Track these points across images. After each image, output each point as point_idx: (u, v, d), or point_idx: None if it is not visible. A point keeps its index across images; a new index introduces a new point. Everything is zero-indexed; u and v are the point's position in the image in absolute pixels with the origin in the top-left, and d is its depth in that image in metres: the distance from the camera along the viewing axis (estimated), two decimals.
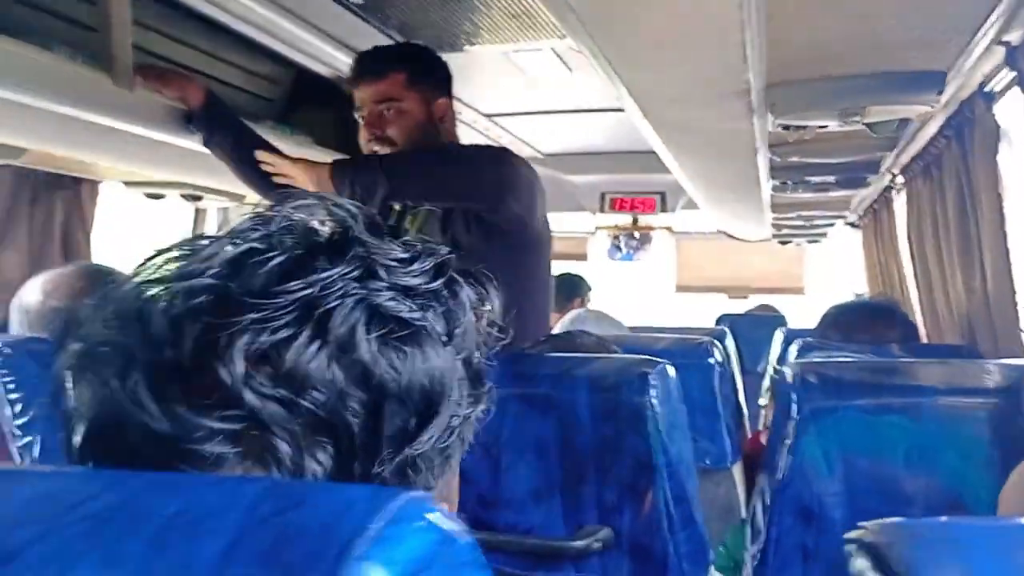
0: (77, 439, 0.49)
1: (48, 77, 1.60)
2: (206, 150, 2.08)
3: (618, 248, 4.87)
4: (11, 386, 1.33)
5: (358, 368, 0.48)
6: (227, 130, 2.06)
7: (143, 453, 0.47)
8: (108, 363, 0.48)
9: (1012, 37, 1.51)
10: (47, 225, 2.42)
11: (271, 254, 0.48)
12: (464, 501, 1.38)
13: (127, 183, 2.58)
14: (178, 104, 1.96)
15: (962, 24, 1.31)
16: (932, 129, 2.16)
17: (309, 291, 0.47)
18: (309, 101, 2.71)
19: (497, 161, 1.90)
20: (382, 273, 0.50)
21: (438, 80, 2.00)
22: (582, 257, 5.07)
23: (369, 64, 1.98)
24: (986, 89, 1.77)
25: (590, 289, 4.45)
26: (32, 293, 1.63)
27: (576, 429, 1.34)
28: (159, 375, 0.47)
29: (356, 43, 2.39)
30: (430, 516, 0.45)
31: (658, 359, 1.39)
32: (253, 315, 0.46)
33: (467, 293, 0.54)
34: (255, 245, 0.49)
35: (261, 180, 2.17)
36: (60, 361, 0.50)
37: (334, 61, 2.43)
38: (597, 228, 4.89)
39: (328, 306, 0.48)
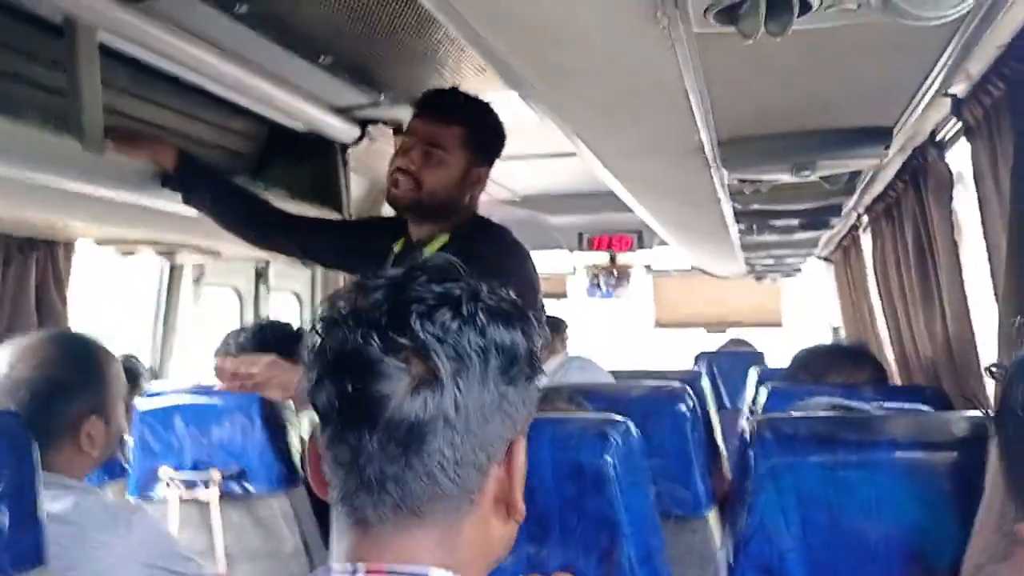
0: (312, 371, 0.82)
1: (17, 144, 1.61)
2: (179, 208, 2.09)
3: (597, 286, 4.91)
4: None
5: (478, 328, 0.79)
6: (204, 187, 2.07)
7: (357, 372, 0.78)
8: (344, 323, 0.80)
9: (957, 89, 1.55)
10: (21, 288, 2.42)
11: (418, 273, 0.82)
12: None
13: (99, 241, 2.59)
14: (149, 165, 1.98)
15: (904, 81, 1.34)
16: (890, 173, 2.20)
17: (444, 289, 0.81)
18: (284, 155, 2.73)
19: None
20: (481, 289, 0.83)
21: (488, 149, 1.98)
22: (562, 295, 5.11)
23: (439, 104, 1.95)
24: (937, 138, 1.81)
25: (567, 327, 4.49)
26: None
27: (540, 489, 1.34)
28: (371, 327, 0.79)
29: (328, 97, 2.43)
30: None
31: (619, 417, 1.40)
32: (416, 295, 0.80)
33: (531, 315, 0.86)
34: (407, 271, 0.83)
35: (245, 230, 2.19)
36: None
37: (307, 115, 2.46)
38: (575, 267, 4.94)
39: (458, 294, 0.80)
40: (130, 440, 2.43)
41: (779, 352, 4.86)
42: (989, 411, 1.21)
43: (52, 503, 1.49)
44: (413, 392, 0.77)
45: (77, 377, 1.63)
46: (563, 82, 1.23)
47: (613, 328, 5.40)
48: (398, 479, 0.79)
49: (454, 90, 2.01)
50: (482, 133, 1.95)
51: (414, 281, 0.81)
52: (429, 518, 0.80)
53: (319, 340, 0.81)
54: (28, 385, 1.57)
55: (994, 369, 1.06)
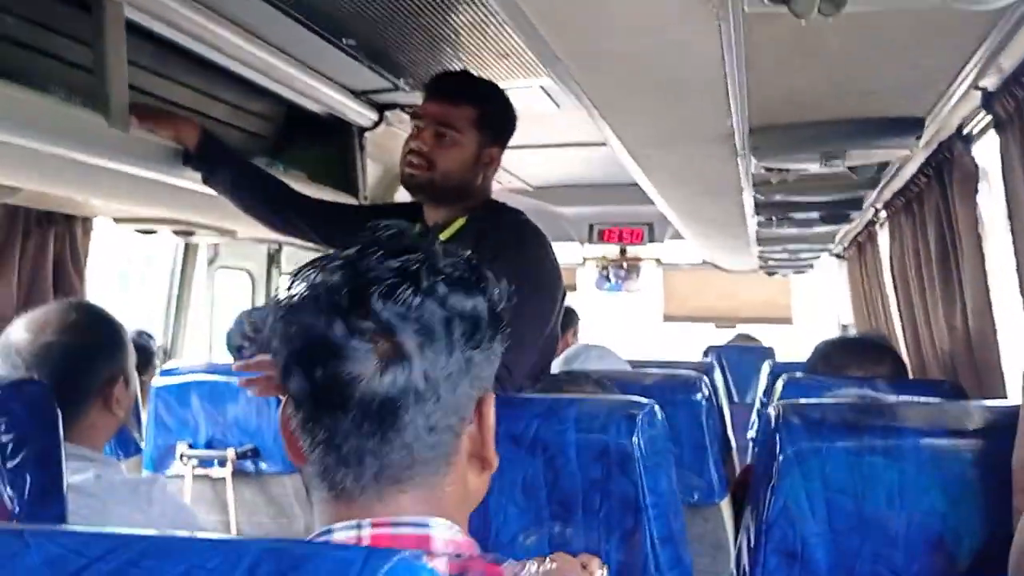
0: (282, 357, 0.83)
1: (44, 119, 1.61)
2: (199, 187, 2.09)
3: (606, 279, 4.91)
4: (1, 428, 1.34)
5: (439, 299, 0.80)
6: (226, 167, 2.07)
7: (324, 356, 0.79)
8: (304, 308, 0.82)
9: (988, 83, 1.55)
10: (39, 261, 2.43)
11: (373, 248, 0.83)
12: None
13: (117, 219, 2.59)
14: (173, 143, 1.98)
15: (939, 71, 1.34)
16: (913, 167, 2.19)
17: (401, 264, 0.81)
18: (302, 138, 2.73)
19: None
20: (439, 258, 0.83)
21: (501, 129, 1.97)
22: (571, 288, 5.11)
23: (448, 86, 1.96)
24: (964, 132, 1.81)
25: (579, 319, 4.49)
26: (20, 332, 1.63)
27: (564, 470, 1.35)
28: (333, 311, 0.80)
29: (347, 81, 2.43)
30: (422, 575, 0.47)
31: (645, 399, 1.40)
32: (375, 274, 0.80)
33: (490, 276, 0.88)
34: (363, 246, 0.83)
35: (264, 213, 2.19)
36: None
37: (326, 98, 2.46)
38: (585, 259, 4.94)
39: (415, 268, 0.81)
40: (145, 416, 2.44)
41: (789, 348, 4.87)
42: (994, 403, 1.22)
43: (73, 475, 1.50)
44: (382, 371, 0.79)
45: (105, 340, 1.66)
46: (601, 63, 1.23)
47: (622, 321, 5.39)
48: (376, 453, 0.81)
49: (464, 72, 2.03)
50: (493, 113, 1.95)
51: (370, 258, 0.81)
52: (409, 484, 0.83)
53: (283, 326, 0.83)
54: (61, 349, 1.59)
55: None
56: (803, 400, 1.38)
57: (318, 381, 0.80)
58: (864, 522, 1.26)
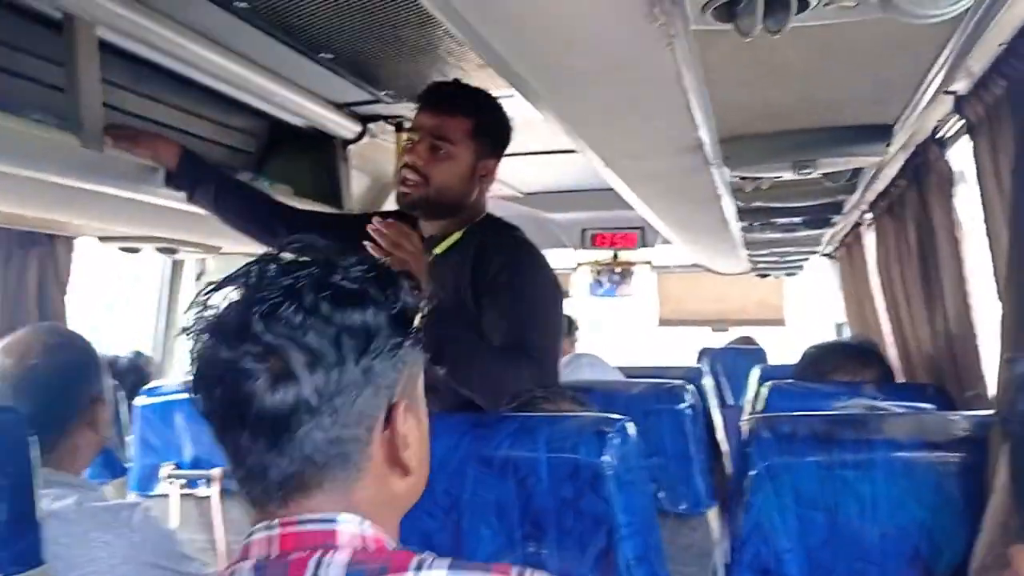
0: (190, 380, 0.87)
1: (16, 141, 1.61)
2: (180, 204, 2.09)
3: (600, 284, 4.89)
4: None
5: (323, 317, 0.83)
6: (208, 183, 2.05)
7: (219, 377, 0.83)
8: (201, 334, 0.86)
9: (959, 87, 1.54)
10: (21, 282, 2.43)
11: (270, 266, 0.87)
12: None
13: (101, 238, 2.59)
14: (150, 162, 1.98)
15: (905, 78, 1.33)
16: (894, 170, 2.19)
17: (291, 281, 0.85)
18: (286, 152, 2.73)
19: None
20: (338, 270, 0.87)
21: (496, 140, 1.95)
22: (564, 294, 5.09)
23: (443, 97, 1.93)
24: (938, 136, 1.80)
25: (577, 328, 4.48)
26: (0, 357, 1.63)
27: (536, 491, 1.34)
28: (224, 334, 0.85)
29: (329, 94, 2.43)
30: None
31: (618, 416, 1.39)
32: (261, 295, 0.84)
33: (401, 281, 0.90)
34: (263, 263, 0.88)
35: (251, 227, 2.18)
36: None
37: (308, 112, 2.45)
38: (579, 264, 4.92)
39: (300, 285, 0.84)
40: (129, 437, 2.43)
41: (783, 350, 4.86)
42: (994, 414, 1.20)
43: (54, 502, 1.50)
44: (272, 388, 0.82)
45: (85, 362, 1.68)
46: (562, 81, 1.23)
47: (617, 326, 5.39)
48: (276, 465, 0.84)
49: (457, 82, 1.99)
50: (488, 124, 1.93)
51: (263, 277, 0.86)
52: (317, 489, 0.86)
53: (191, 346, 0.88)
54: (46, 371, 1.59)
55: (1011, 362, 1.04)
56: (775, 413, 1.37)
57: (217, 401, 0.85)
58: (837, 536, 1.25)
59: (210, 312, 0.87)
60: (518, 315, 1.77)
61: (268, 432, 0.83)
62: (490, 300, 1.80)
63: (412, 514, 1.36)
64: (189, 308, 0.88)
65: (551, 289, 1.87)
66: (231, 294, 0.87)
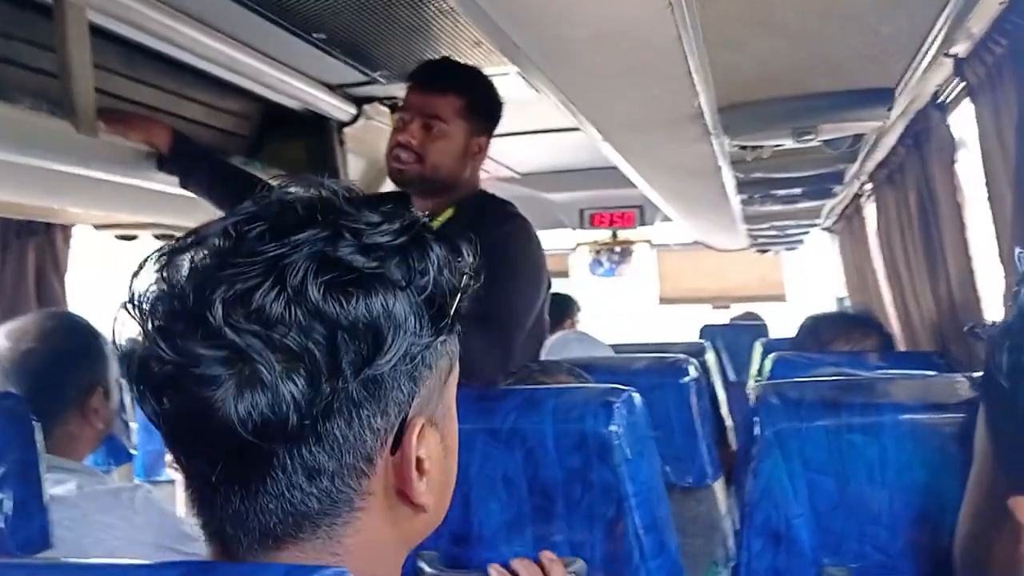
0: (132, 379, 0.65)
1: (11, 128, 1.60)
2: (176, 190, 2.08)
3: (599, 263, 4.89)
4: None
5: (312, 308, 0.60)
6: (201, 168, 2.04)
7: (169, 380, 0.61)
8: (142, 316, 0.63)
9: (959, 49, 1.53)
10: (20, 270, 2.42)
11: (256, 224, 0.62)
12: (436, 538, 1.38)
13: (97, 226, 2.58)
14: (144, 147, 1.96)
15: (905, 39, 1.32)
16: (893, 138, 2.18)
17: (281, 250, 0.60)
18: (280, 135, 2.71)
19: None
20: (348, 234, 0.62)
21: (487, 118, 1.95)
22: (563, 274, 5.09)
23: (433, 76, 1.91)
24: (939, 100, 1.79)
25: (579, 309, 4.46)
26: (0, 340, 1.63)
27: (543, 462, 1.34)
28: (173, 322, 0.61)
29: (322, 75, 2.41)
30: None
31: (624, 387, 1.39)
32: (231, 271, 0.60)
33: (437, 250, 0.66)
34: (247, 217, 0.63)
35: None
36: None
37: (302, 94, 2.44)
38: (578, 244, 4.92)
39: (288, 260, 0.60)
40: (134, 424, 2.43)
41: (785, 325, 4.85)
42: (974, 375, 1.20)
43: (55, 486, 1.50)
44: (237, 402, 0.59)
45: (83, 349, 1.65)
46: (560, 52, 1.22)
47: (617, 305, 5.39)
48: (239, 506, 0.63)
49: (448, 60, 1.99)
50: (479, 101, 1.92)
51: (242, 239, 0.62)
52: (291, 544, 0.64)
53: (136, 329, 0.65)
54: (38, 356, 1.58)
55: (978, 330, 1.02)
56: (783, 380, 1.37)
57: (166, 409, 0.63)
58: (846, 501, 1.24)
59: (163, 280, 0.63)
60: (487, 283, 1.74)
61: (228, 460, 0.62)
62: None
63: None
64: (136, 273, 0.64)
65: (531, 264, 1.83)
66: (200, 257, 0.63)
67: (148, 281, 0.64)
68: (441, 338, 0.67)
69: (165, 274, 0.63)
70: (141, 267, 0.65)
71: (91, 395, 1.63)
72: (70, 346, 1.64)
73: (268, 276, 0.60)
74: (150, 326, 0.62)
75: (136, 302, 0.64)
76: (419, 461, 0.67)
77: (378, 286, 0.62)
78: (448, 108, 1.87)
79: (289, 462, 0.62)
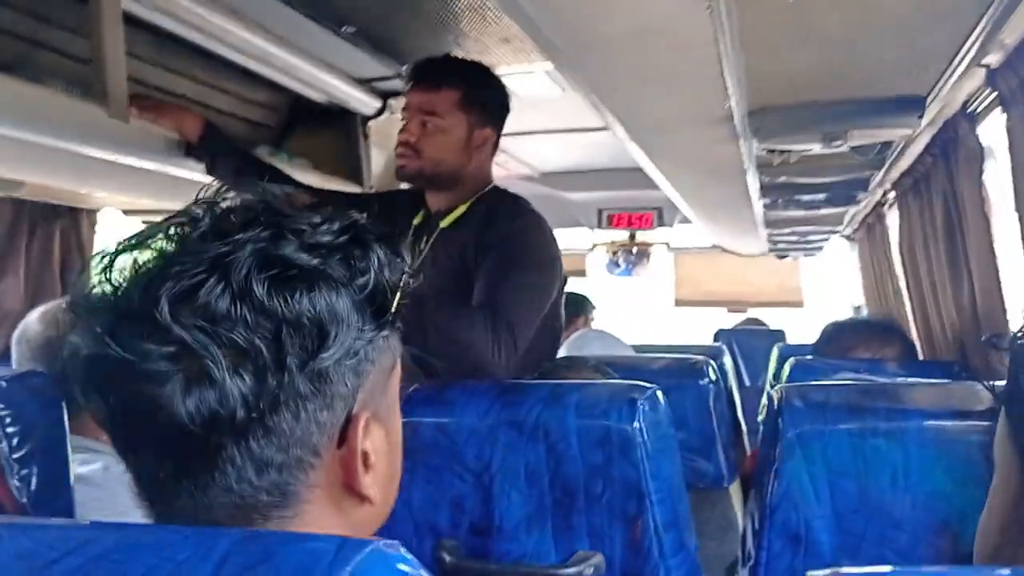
0: (77, 379, 0.66)
1: (43, 112, 1.61)
2: (203, 177, 2.09)
3: (616, 264, 4.88)
4: (7, 420, 1.35)
5: (257, 304, 0.62)
6: (228, 158, 2.07)
7: (116, 378, 0.62)
8: (87, 313, 0.64)
9: (991, 60, 1.53)
10: (45, 254, 2.44)
11: (201, 224, 0.64)
12: (457, 529, 1.39)
13: (126, 211, 2.60)
14: (174, 134, 1.98)
15: (939, 49, 1.32)
16: (919, 147, 2.17)
17: (224, 248, 0.62)
18: (306, 127, 2.74)
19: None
20: (290, 235, 0.64)
21: (489, 109, 1.95)
22: (581, 273, 5.09)
23: (428, 72, 1.94)
24: (969, 110, 1.79)
25: (594, 308, 4.46)
26: (32, 325, 1.65)
27: (566, 456, 1.35)
28: (118, 320, 0.62)
29: (350, 69, 2.42)
30: (399, 565, 0.47)
31: (647, 384, 1.40)
32: (176, 268, 0.62)
33: (377, 249, 0.69)
34: (191, 218, 0.65)
35: None
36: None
37: (329, 87, 2.45)
38: (595, 244, 4.91)
39: (232, 258, 0.62)
40: None
41: (801, 331, 4.84)
42: (995, 385, 1.19)
43: (81, 467, 1.51)
44: (184, 398, 0.61)
45: None
46: (595, 48, 1.22)
47: (633, 306, 5.37)
48: (187, 499, 0.65)
49: (445, 56, 2.00)
50: (478, 93, 1.92)
51: (186, 239, 0.64)
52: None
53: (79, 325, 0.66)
54: (63, 344, 1.59)
55: (996, 341, 1.00)
56: (806, 383, 1.37)
57: (111, 406, 0.64)
58: (868, 504, 1.25)
59: (107, 281, 0.64)
60: (495, 274, 1.74)
61: (177, 456, 0.64)
62: (482, 264, 1.80)
63: (442, 479, 1.38)
64: (81, 271, 0.66)
65: (543, 259, 1.82)
66: (143, 257, 0.64)
67: (91, 282, 0.65)
68: (383, 334, 0.69)
69: (108, 275, 0.64)
70: (83, 269, 0.67)
71: None
72: None
73: (212, 273, 0.61)
74: (96, 326, 0.63)
75: (80, 303, 0.65)
76: (365, 455, 0.69)
77: (321, 283, 0.64)
78: (444, 103, 1.89)
79: (238, 456, 0.63)
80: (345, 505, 0.70)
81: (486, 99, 1.94)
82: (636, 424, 1.33)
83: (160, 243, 0.65)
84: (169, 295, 0.61)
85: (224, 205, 0.67)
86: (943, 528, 1.23)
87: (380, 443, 0.70)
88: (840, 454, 1.25)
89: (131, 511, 1.60)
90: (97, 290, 0.64)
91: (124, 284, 0.63)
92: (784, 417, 1.27)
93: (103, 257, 0.65)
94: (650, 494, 1.33)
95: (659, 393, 1.38)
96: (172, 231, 0.65)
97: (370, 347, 0.68)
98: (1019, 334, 0.93)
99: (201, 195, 0.70)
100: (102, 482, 1.54)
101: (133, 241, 0.65)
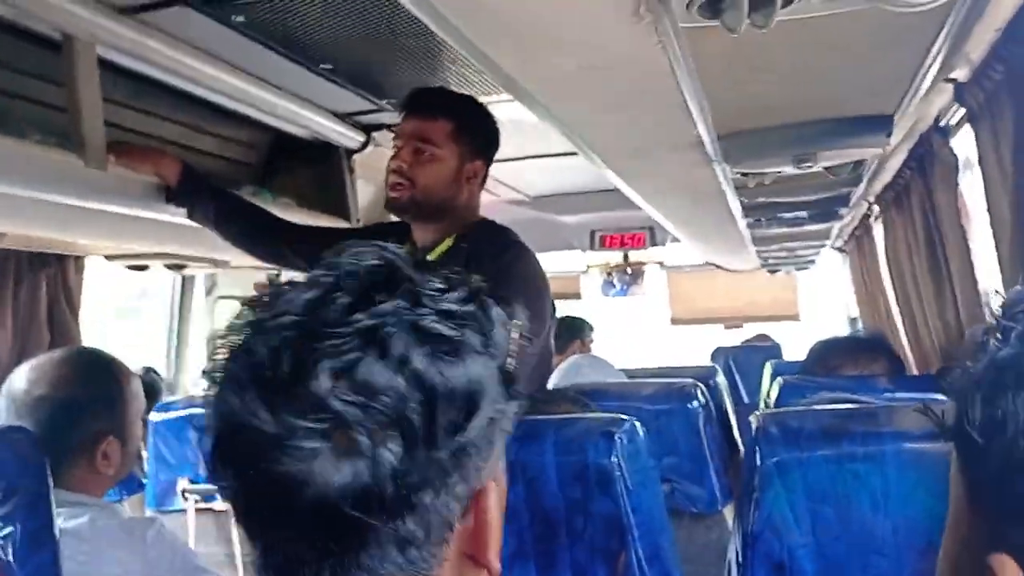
0: (207, 450, 0.64)
1: (20, 162, 1.62)
2: (186, 221, 2.09)
3: (611, 284, 4.89)
4: None
5: (414, 377, 0.61)
6: (208, 201, 2.06)
7: (256, 453, 0.60)
8: (227, 385, 0.62)
9: (959, 74, 1.53)
10: (33, 302, 2.44)
11: (337, 295, 0.62)
12: None
13: (108, 256, 2.60)
14: (153, 179, 1.98)
15: (902, 68, 1.32)
16: (898, 160, 2.17)
17: (371, 321, 0.61)
18: (289, 164, 2.73)
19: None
20: (426, 301, 0.63)
21: (481, 142, 1.96)
22: (576, 296, 5.09)
23: (423, 102, 1.96)
24: (941, 124, 1.79)
25: (592, 330, 4.45)
26: (19, 381, 1.63)
27: (545, 492, 1.34)
28: (264, 392, 0.60)
29: (331, 104, 2.43)
30: None
31: (625, 417, 1.39)
32: (331, 342, 0.60)
33: (497, 312, 0.68)
34: (326, 289, 0.63)
35: (250, 244, 2.19)
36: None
37: (311, 123, 2.46)
38: (589, 266, 4.92)
39: (387, 331, 0.61)
40: (145, 454, 2.44)
41: (798, 345, 4.84)
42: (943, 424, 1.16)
43: (68, 521, 1.50)
44: (335, 476, 0.59)
45: (95, 397, 1.62)
46: (556, 83, 1.23)
47: (628, 327, 5.37)
48: None
49: (440, 88, 2.02)
50: (470, 126, 1.94)
51: (329, 307, 0.62)
52: None
53: (211, 403, 0.64)
54: (46, 403, 1.58)
55: (948, 378, 0.95)
56: (783, 408, 1.36)
57: (250, 484, 0.62)
58: (850, 530, 1.23)
59: (233, 349, 0.64)
60: None
61: (322, 536, 0.61)
62: None
63: None
64: (213, 341, 0.65)
65: (532, 293, 1.81)
66: (251, 338, 0.63)
67: (222, 352, 0.64)
68: (515, 403, 0.69)
69: (251, 345, 0.62)
70: (217, 338, 0.65)
71: (100, 443, 1.61)
72: (84, 394, 1.61)
73: (368, 347, 0.60)
74: (237, 398, 0.61)
75: (218, 373, 0.64)
76: (489, 524, 0.68)
77: (465, 354, 0.63)
78: (438, 132, 1.90)
79: (384, 535, 0.61)
80: (463, 572, 0.68)
81: (478, 132, 1.96)
82: (614, 458, 1.32)
83: (294, 313, 0.62)
84: (333, 370, 0.59)
85: (346, 268, 0.64)
86: (926, 551, 1.21)
87: (496, 508, 0.69)
88: (819, 480, 1.24)
89: (119, 564, 1.59)
90: (225, 362, 0.64)
91: (264, 355, 0.61)
92: (761, 445, 1.26)
93: (241, 327, 0.64)
94: (632, 528, 1.32)
95: (637, 424, 1.37)
96: (307, 301, 0.63)
97: (504, 418, 0.67)
98: (962, 371, 0.87)
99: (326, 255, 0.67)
100: (89, 536, 1.53)
101: (266, 315, 0.63)
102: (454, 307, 0.64)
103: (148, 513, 2.34)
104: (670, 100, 1.24)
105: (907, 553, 1.22)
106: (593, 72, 1.15)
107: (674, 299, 5.64)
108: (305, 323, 0.62)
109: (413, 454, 0.60)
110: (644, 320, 5.51)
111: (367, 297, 0.62)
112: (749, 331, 5.55)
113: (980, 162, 1.54)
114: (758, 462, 1.25)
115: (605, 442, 1.33)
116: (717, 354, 4.76)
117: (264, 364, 0.61)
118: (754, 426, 1.30)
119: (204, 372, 0.65)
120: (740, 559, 1.28)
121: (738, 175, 1.73)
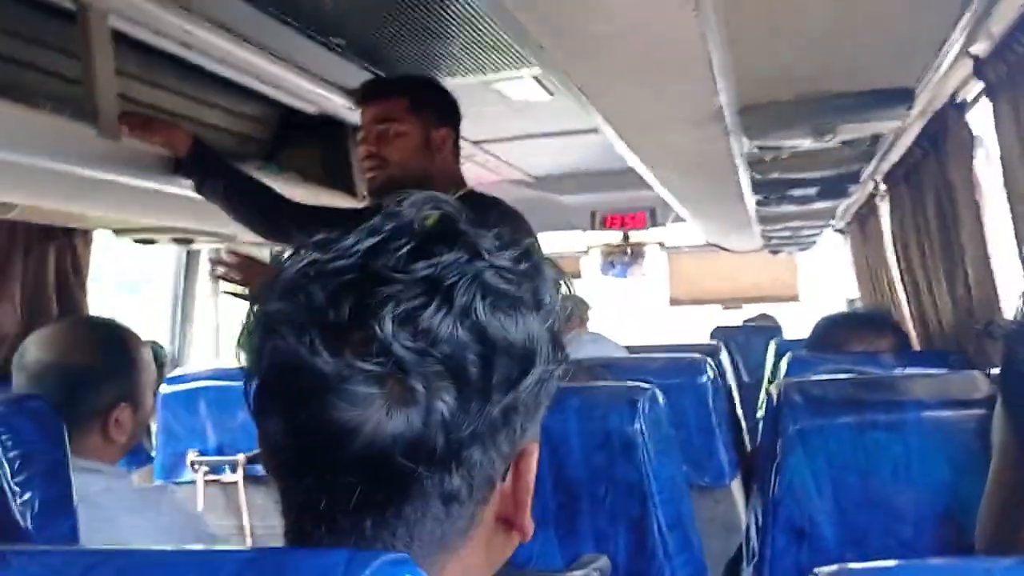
0: (252, 389, 0.63)
1: (33, 133, 1.61)
2: (195, 195, 2.09)
3: (611, 265, 4.89)
4: (8, 444, 1.34)
5: (476, 328, 0.60)
6: (217, 175, 2.06)
7: (309, 396, 0.59)
8: (285, 326, 0.60)
9: (979, 49, 1.53)
10: (41, 276, 2.44)
11: (398, 242, 0.61)
12: None
13: (116, 230, 2.59)
14: (165, 152, 1.98)
15: (926, 40, 1.33)
16: (910, 138, 2.17)
17: (432, 270, 0.60)
18: (296, 139, 2.73)
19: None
20: (485, 255, 0.62)
21: (440, 110, 2.05)
22: (576, 276, 5.09)
23: (375, 87, 2.08)
24: (957, 100, 1.79)
25: (589, 308, 4.47)
26: (30, 351, 1.64)
27: (568, 460, 1.35)
28: (326, 332, 0.59)
29: (340, 80, 2.42)
30: None
31: (646, 384, 1.40)
32: (394, 287, 0.59)
33: (549, 271, 0.67)
34: (385, 236, 0.62)
35: (256, 221, 2.19)
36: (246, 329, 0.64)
37: (319, 99, 2.45)
38: (589, 247, 4.92)
39: (450, 281, 0.60)
40: (154, 426, 2.45)
41: (797, 326, 4.86)
42: (990, 371, 1.19)
43: (83, 488, 1.50)
44: (387, 424, 0.58)
45: (107, 364, 1.62)
46: (583, 50, 1.23)
47: (628, 307, 5.39)
48: (370, 537, 0.61)
49: (387, 76, 2.17)
50: (424, 96, 2.04)
51: (390, 255, 0.61)
52: None
53: (258, 337, 0.62)
54: (58, 371, 1.57)
55: (991, 328, 1.01)
56: (804, 377, 1.37)
57: (300, 429, 0.60)
58: (871, 497, 1.25)
59: (284, 291, 0.61)
60: None
61: (367, 485, 0.60)
62: None
63: None
64: (271, 281, 0.62)
65: None
66: (310, 273, 0.61)
67: (277, 291, 0.62)
68: (560, 367, 0.66)
69: (308, 288, 0.60)
70: (273, 276, 0.63)
71: (113, 410, 1.61)
72: (94, 361, 1.60)
73: (433, 295, 0.59)
74: (295, 338, 0.59)
75: (273, 311, 0.61)
76: (527, 486, 0.67)
77: (524, 309, 0.63)
78: (396, 108, 2.00)
79: (430, 487, 0.60)
80: (496, 541, 0.67)
81: (434, 100, 2.06)
82: (637, 425, 1.34)
83: (357, 255, 0.61)
84: (396, 316, 0.58)
85: (405, 216, 0.64)
86: (947, 518, 1.23)
87: (533, 474, 0.68)
88: (841, 448, 1.26)
89: (133, 529, 1.60)
90: (280, 304, 0.61)
91: (313, 298, 0.60)
92: (784, 412, 1.28)
93: (303, 265, 0.61)
94: (653, 494, 1.34)
95: (658, 393, 1.39)
96: (366, 244, 0.62)
97: (551, 379, 0.65)
98: (1015, 319, 0.93)
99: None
100: (104, 503, 1.54)
101: (321, 247, 0.62)
102: (509, 264, 0.63)
103: (157, 483, 2.35)
104: (696, 68, 1.24)
105: (927, 520, 1.24)
106: (622, 38, 1.15)
107: (674, 279, 5.65)
108: (367, 267, 0.60)
109: (467, 407, 0.59)
110: (643, 300, 5.53)
111: (427, 246, 0.61)
112: (748, 312, 5.57)
113: (998, 138, 1.54)
114: (781, 430, 1.27)
115: (629, 409, 1.34)
116: (717, 333, 4.77)
117: (324, 306, 0.59)
118: (775, 394, 1.31)
119: (250, 313, 0.63)
120: (760, 524, 1.29)
121: (754, 149, 1.74)
